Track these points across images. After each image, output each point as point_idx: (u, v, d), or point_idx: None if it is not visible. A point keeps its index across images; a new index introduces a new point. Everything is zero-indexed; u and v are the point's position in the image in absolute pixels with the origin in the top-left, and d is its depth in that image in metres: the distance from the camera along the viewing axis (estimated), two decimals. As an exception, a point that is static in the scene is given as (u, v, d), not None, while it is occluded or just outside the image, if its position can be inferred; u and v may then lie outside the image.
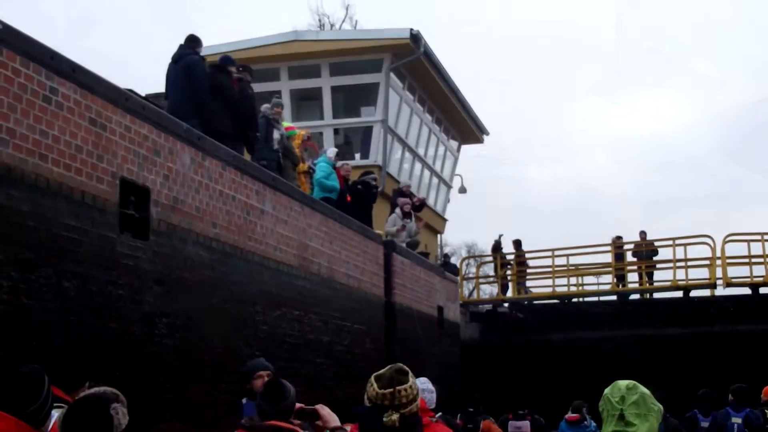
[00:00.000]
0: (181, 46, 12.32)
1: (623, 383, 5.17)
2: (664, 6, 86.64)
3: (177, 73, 12.11)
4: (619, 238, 25.15)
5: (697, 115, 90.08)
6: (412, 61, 22.12)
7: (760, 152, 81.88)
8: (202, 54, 12.61)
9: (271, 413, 6.30)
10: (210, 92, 12.26)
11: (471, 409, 14.72)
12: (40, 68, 7.85)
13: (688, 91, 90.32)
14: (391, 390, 4.59)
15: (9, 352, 7.01)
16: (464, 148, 28.85)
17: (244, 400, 7.72)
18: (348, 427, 11.32)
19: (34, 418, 3.25)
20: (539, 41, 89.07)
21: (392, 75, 22.14)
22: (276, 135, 13.84)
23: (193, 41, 12.40)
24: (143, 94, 10.85)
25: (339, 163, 16.53)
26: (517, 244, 26.03)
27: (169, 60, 12.40)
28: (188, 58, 12.08)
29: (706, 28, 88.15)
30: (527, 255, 25.92)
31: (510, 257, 26.01)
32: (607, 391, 5.14)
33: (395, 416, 4.51)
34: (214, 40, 13.89)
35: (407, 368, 4.78)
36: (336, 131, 22.95)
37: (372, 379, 4.75)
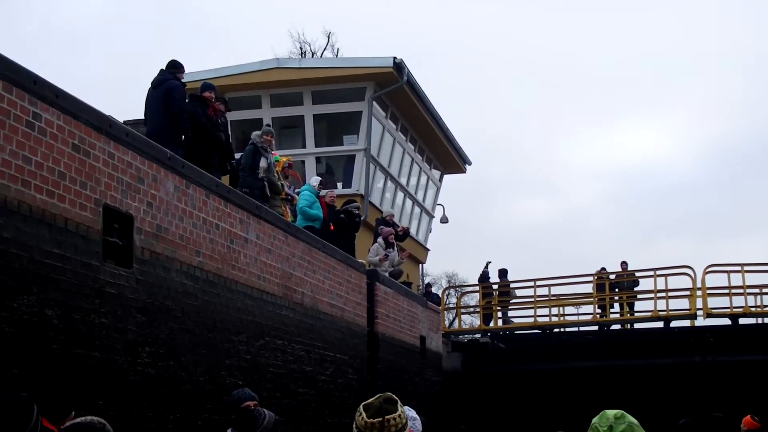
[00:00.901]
0: (161, 71, 12.24)
1: (611, 412, 5.14)
2: (651, 40, 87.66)
3: (156, 99, 12.00)
4: (603, 269, 25.19)
5: (681, 148, 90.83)
6: (395, 90, 22.19)
7: (743, 184, 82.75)
8: (183, 81, 12.54)
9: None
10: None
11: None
12: (24, 94, 7.78)
13: (672, 124, 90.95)
14: (380, 419, 4.52)
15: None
16: (446, 177, 28.89)
17: (229, 431, 7.63)
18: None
19: None
20: (525, 73, 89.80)
21: (375, 103, 22.19)
22: (263, 163, 13.75)
23: (173, 67, 12.33)
24: (122, 120, 10.79)
25: (323, 192, 16.49)
26: (503, 273, 26.03)
27: (147, 86, 12.33)
28: (168, 83, 12.00)
29: (691, 63, 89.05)
30: (511, 285, 25.91)
31: (495, 287, 25.98)
32: (595, 420, 5.10)
33: (385, 446, 4.44)
34: (194, 67, 13.92)
35: (396, 398, 4.71)
36: (318, 160, 22.96)
37: (361, 408, 4.68)
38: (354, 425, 4.63)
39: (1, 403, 3.29)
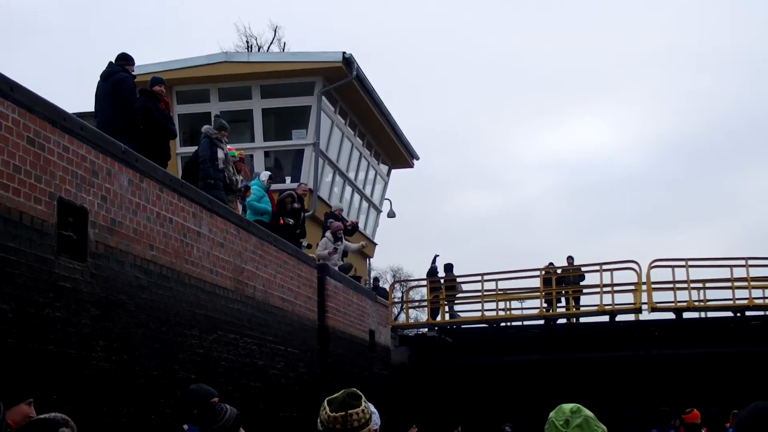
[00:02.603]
0: (110, 64, 12.18)
1: (567, 406, 5.26)
2: (602, 34, 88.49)
3: (106, 91, 11.95)
4: (551, 264, 25.47)
5: (630, 142, 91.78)
6: (344, 85, 22.25)
7: (690, 179, 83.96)
8: (132, 73, 12.50)
9: (209, 436, 6.33)
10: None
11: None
12: (-22, 86, 7.77)
13: (621, 119, 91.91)
14: (343, 413, 4.60)
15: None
16: (394, 172, 29.03)
17: (185, 426, 7.67)
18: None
19: None
20: (474, 68, 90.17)
21: (324, 98, 22.23)
22: (221, 154, 13.79)
23: (123, 59, 12.28)
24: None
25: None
26: (448, 267, 26.20)
27: (96, 78, 12.28)
28: (117, 75, 11.94)
29: (640, 59, 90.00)
30: (458, 279, 26.09)
31: (442, 281, 26.14)
32: (551, 414, 5.23)
33: (348, 440, 4.53)
34: (140, 60, 13.80)
35: (360, 393, 4.81)
36: (267, 154, 22.96)
37: (325, 402, 4.77)
38: (318, 420, 4.73)
39: None
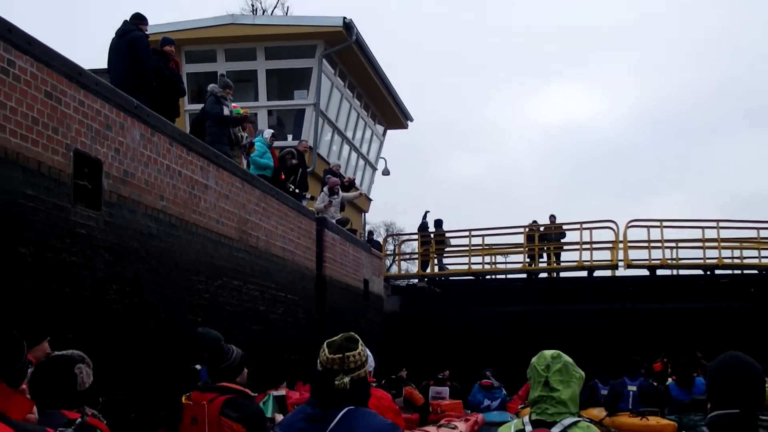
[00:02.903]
0: (125, 22, 12.09)
1: (548, 353, 5.29)
2: (585, 6, 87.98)
3: (121, 48, 11.85)
4: (534, 222, 25.49)
5: (608, 110, 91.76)
6: (344, 49, 22.09)
7: (665, 146, 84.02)
8: (146, 33, 12.39)
9: (217, 374, 6.35)
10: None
11: (394, 377, 14.80)
12: (-1, 40, 7.68)
13: (601, 88, 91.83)
14: (341, 356, 4.61)
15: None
16: (390, 132, 28.91)
17: (198, 366, 7.68)
18: (283, 391, 11.38)
19: (14, 378, 3.20)
20: (466, 37, 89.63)
21: (324, 61, 22.08)
22: (226, 112, 13.72)
23: (137, 18, 12.19)
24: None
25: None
26: (438, 223, 26.22)
27: (104, 37, 12.20)
28: (133, 33, 11.85)
29: (627, 31, 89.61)
30: (446, 234, 26.12)
31: (432, 235, 26.16)
32: (534, 360, 5.25)
33: (346, 379, 4.54)
34: (152, 21, 13.60)
35: (357, 337, 4.81)
36: (270, 112, 22.84)
37: (324, 345, 4.77)
38: (318, 361, 4.73)
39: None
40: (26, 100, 7.97)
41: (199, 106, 16.07)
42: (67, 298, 8.38)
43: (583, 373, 5.25)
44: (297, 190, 16.97)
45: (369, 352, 5.91)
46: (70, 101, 8.64)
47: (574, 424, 4.88)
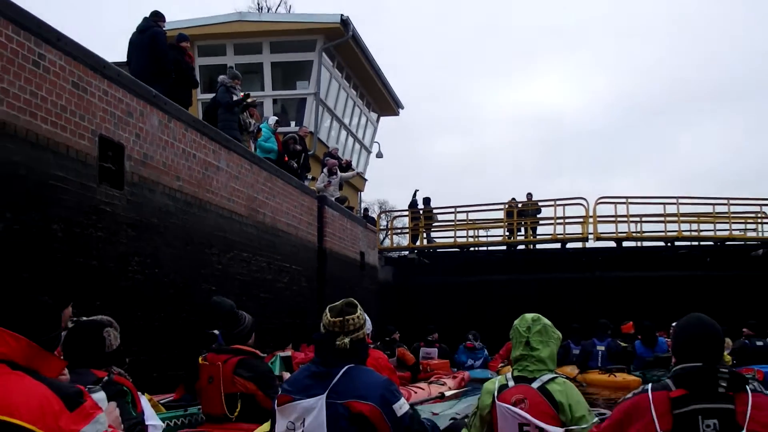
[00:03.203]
0: (145, 19, 12.01)
1: (529, 316, 5.30)
2: (565, 4, 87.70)
3: (142, 42, 11.75)
4: (513, 199, 25.51)
5: (583, 99, 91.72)
6: (341, 43, 21.99)
7: (630, 131, 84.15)
8: (164, 29, 12.30)
9: (231, 338, 6.36)
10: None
11: (387, 339, 14.83)
12: (30, 36, 7.61)
13: (572, 76, 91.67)
14: (341, 319, 4.62)
15: (8, 282, 6.88)
16: (383, 119, 28.83)
17: (216, 332, 7.69)
18: (289, 352, 11.35)
19: (50, 343, 3.20)
20: (450, 30, 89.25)
21: (324, 54, 21.97)
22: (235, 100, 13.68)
23: (156, 16, 12.10)
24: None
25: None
26: (426, 201, 26.23)
27: (120, 34, 12.11)
28: (153, 29, 11.77)
29: (597, 25, 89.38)
30: (434, 210, 26.13)
31: (421, 212, 26.18)
32: (516, 322, 5.26)
33: (346, 340, 4.55)
34: (168, 17, 13.46)
35: (356, 302, 4.81)
36: (274, 101, 22.74)
37: (327, 309, 4.77)
38: (321, 324, 4.73)
39: (35, 304, 3.28)
40: (55, 90, 7.93)
41: (211, 96, 16.00)
42: (93, 269, 8.37)
43: (560, 334, 5.27)
44: (299, 170, 16.92)
45: (367, 317, 5.91)
46: (95, 91, 8.59)
47: (552, 379, 4.91)
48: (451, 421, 5.99)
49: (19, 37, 7.45)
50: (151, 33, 11.65)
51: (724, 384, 3.77)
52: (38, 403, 2.83)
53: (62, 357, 4.20)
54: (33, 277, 7.30)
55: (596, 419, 4.78)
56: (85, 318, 4.93)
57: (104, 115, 8.74)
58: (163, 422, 5.35)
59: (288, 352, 11.16)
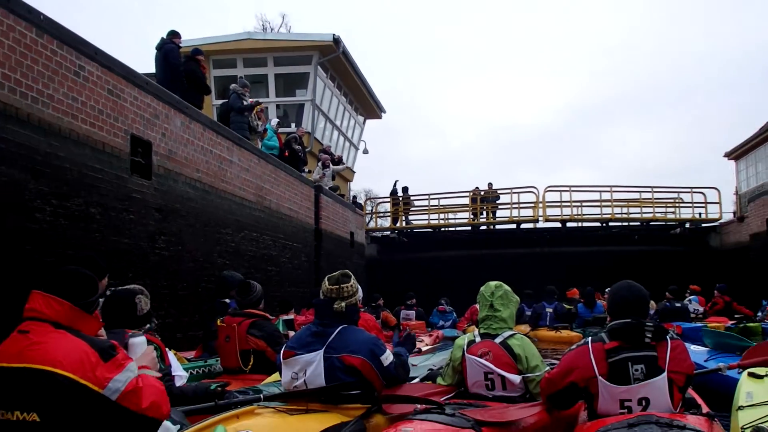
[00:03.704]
0: (162, 39, 11.87)
1: (493, 283, 5.30)
2: (526, 15, 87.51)
3: (160, 57, 11.67)
4: (477, 188, 25.53)
5: (534, 102, 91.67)
6: (333, 58, 21.83)
7: (575, 131, 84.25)
8: (179, 45, 12.14)
9: (244, 304, 6.32)
10: (186, 75, 11.86)
11: (373, 304, 14.82)
12: (72, 50, 7.50)
13: (527, 83, 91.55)
14: (337, 286, 4.60)
15: (55, 257, 6.81)
16: (368, 121, 28.70)
17: (227, 300, 7.65)
18: (291, 316, 11.25)
19: (89, 307, 3.17)
20: (424, 43, 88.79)
21: (319, 67, 21.81)
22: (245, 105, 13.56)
23: (172, 34, 11.94)
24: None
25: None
26: (405, 189, 26.21)
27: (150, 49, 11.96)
28: (167, 46, 11.63)
29: (551, 34, 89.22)
30: (411, 197, 26.11)
31: (400, 199, 26.16)
32: (482, 288, 5.26)
33: (342, 304, 4.53)
34: (186, 35, 13.37)
35: (350, 273, 4.79)
36: (278, 106, 22.56)
37: (325, 279, 4.75)
38: (320, 291, 4.71)
39: (78, 274, 3.24)
40: (93, 96, 7.83)
41: (223, 101, 15.86)
42: (126, 246, 8.29)
43: (518, 298, 5.27)
44: (301, 154, 16.80)
45: (359, 285, 5.88)
46: (127, 96, 8.49)
47: (512, 335, 4.92)
48: (428, 372, 5.99)
49: (63, 51, 7.35)
50: (165, 50, 11.51)
51: (650, 335, 3.82)
52: (78, 357, 2.83)
53: (100, 320, 4.17)
54: (76, 253, 7.22)
55: (547, 368, 4.80)
56: (119, 287, 4.89)
57: (135, 117, 8.64)
58: (187, 372, 5.33)
59: (291, 316, 11.11)
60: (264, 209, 12.87)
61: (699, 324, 11.58)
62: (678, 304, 13.48)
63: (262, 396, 4.46)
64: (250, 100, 14.11)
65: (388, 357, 4.48)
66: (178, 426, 3.62)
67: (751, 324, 12.78)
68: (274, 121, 16.72)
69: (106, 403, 2.87)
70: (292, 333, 7.73)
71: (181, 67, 11.69)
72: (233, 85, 14.30)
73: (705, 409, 4.02)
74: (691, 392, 4.30)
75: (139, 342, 3.59)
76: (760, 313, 14.59)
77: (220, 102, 19.78)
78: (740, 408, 3.93)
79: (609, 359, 3.82)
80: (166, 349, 4.55)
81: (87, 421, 2.85)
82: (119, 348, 3.06)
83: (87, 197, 7.60)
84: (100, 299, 4.09)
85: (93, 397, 2.84)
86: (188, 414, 4.06)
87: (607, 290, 4.75)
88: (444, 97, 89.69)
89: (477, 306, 5.30)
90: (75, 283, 3.11)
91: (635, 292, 4.01)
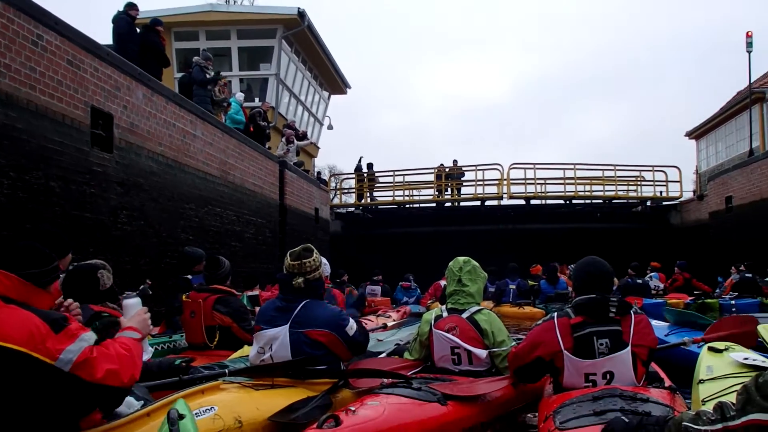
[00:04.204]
0: (119, 11, 11.54)
1: (461, 258, 5.33)
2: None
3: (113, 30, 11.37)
4: (441, 165, 25.56)
5: (497, 78, 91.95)
6: (298, 32, 21.58)
7: (540, 107, 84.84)
8: (139, 16, 11.80)
9: (211, 279, 6.27)
10: (144, 46, 11.56)
11: (338, 280, 14.81)
12: (30, 19, 7.30)
13: (490, 59, 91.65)
14: (299, 262, 4.60)
15: (13, 231, 6.67)
16: (333, 97, 28.50)
17: (190, 276, 7.58)
18: (257, 291, 11.19)
19: (38, 279, 3.11)
20: (391, 20, 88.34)
21: (283, 41, 21.55)
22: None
23: (129, 6, 11.60)
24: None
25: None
26: (369, 165, 26.12)
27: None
28: (118, 19, 11.32)
29: (516, 14, 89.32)
30: (376, 173, 26.06)
31: (365, 175, 26.07)
32: (450, 264, 5.29)
33: (300, 280, 4.53)
34: (147, 6, 13.08)
35: (313, 247, 4.77)
36: (241, 80, 22.25)
37: (287, 254, 4.73)
38: (283, 266, 4.69)
39: (23, 246, 3.17)
40: (52, 66, 7.63)
41: (183, 74, 15.60)
42: (87, 220, 8.16)
43: (486, 274, 5.31)
44: (266, 129, 16.64)
45: (325, 260, 5.86)
46: (87, 68, 8.30)
47: (479, 311, 4.96)
48: (395, 346, 6.02)
49: (20, 19, 7.14)
50: (116, 21, 11.23)
51: (614, 310, 3.88)
52: (28, 330, 2.78)
53: (63, 295, 4.11)
54: (34, 227, 7.07)
55: (514, 342, 4.86)
56: (82, 263, 4.82)
57: (95, 88, 8.45)
58: (152, 347, 5.28)
59: (256, 292, 11.08)
60: (228, 184, 12.73)
61: (660, 300, 11.80)
62: (639, 281, 13.73)
63: (227, 371, 4.44)
64: (213, 73, 13.89)
65: (352, 327, 4.52)
66: (142, 402, 3.59)
67: (710, 300, 13.09)
68: (239, 95, 16.50)
69: (59, 375, 2.82)
70: (258, 309, 7.71)
71: (131, 37, 11.34)
72: (196, 57, 14.07)
73: (667, 382, 4.12)
74: (653, 366, 4.39)
75: (133, 303, 3.61)
76: (717, 290, 14.94)
77: (180, 75, 19.53)
78: (701, 381, 4.03)
79: (574, 334, 3.88)
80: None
81: (42, 394, 2.81)
82: (72, 319, 3.00)
83: (46, 170, 7.44)
84: (61, 274, 4.03)
85: (45, 370, 2.79)
86: (152, 389, 4.02)
87: (569, 267, 4.82)
88: (410, 74, 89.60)
89: (441, 282, 5.34)
90: (24, 257, 3.06)
91: (600, 267, 4.07)
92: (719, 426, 2.18)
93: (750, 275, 13.46)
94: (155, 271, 9.63)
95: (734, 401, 2.19)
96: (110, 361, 2.95)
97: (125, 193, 9.05)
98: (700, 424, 2.26)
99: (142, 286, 4.33)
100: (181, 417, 2.70)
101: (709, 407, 3.14)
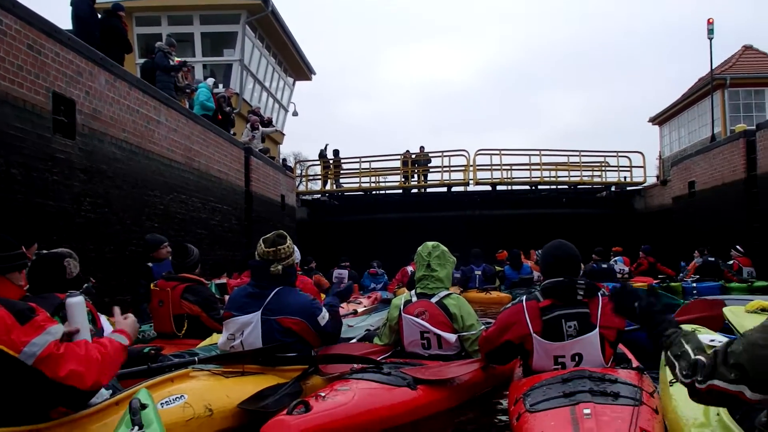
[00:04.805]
0: None
1: (430, 244, 5.38)
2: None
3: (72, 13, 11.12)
4: (408, 151, 25.59)
5: (465, 66, 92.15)
6: (263, 17, 21.38)
7: (507, 94, 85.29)
8: (99, 0, 11.55)
9: (180, 267, 6.23)
10: (106, 32, 11.35)
11: (306, 267, 14.78)
12: (-13, 2, 7.13)
13: (459, 47, 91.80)
14: (273, 249, 4.60)
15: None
16: (298, 83, 28.35)
17: (150, 264, 7.52)
18: (224, 279, 11.11)
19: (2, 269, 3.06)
20: (359, 8, 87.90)
21: (247, 27, 21.34)
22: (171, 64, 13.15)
23: None
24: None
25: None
26: (335, 152, 26.08)
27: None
28: (78, 1, 11.08)
29: (485, 4, 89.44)
30: (342, 160, 26.00)
31: (331, 161, 26.00)
32: (419, 249, 5.34)
33: (279, 267, 4.53)
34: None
35: (286, 234, 4.77)
36: (204, 66, 21.97)
37: (261, 240, 4.73)
38: (255, 253, 4.68)
39: None
40: (12, 51, 7.47)
41: (146, 60, 15.37)
42: (50, 208, 8.02)
43: (455, 259, 5.36)
44: (231, 116, 16.49)
45: (295, 247, 5.89)
46: (48, 52, 8.13)
47: (448, 295, 5.02)
48: (365, 332, 6.05)
49: (-23, 2, 6.98)
50: (74, 5, 11.00)
51: (581, 293, 3.95)
52: None
53: (28, 285, 4.06)
54: (-4, 215, 6.95)
55: (483, 326, 4.92)
56: (47, 251, 4.75)
57: (57, 74, 8.28)
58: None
59: (223, 280, 11.02)
60: (193, 171, 12.61)
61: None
62: (604, 265, 13.97)
63: (197, 359, 4.43)
64: (177, 60, 13.71)
65: (324, 317, 4.53)
66: (111, 390, 3.56)
67: (673, 283, 13.41)
68: (210, 80, 16.39)
69: (22, 369, 2.75)
70: (227, 297, 7.68)
71: (92, 21, 11.13)
72: (159, 43, 13.86)
73: (635, 363, 4.21)
74: (621, 347, 4.49)
75: (75, 302, 3.31)
76: (681, 274, 15.26)
77: (143, 61, 19.24)
78: (667, 362, 4.12)
79: (543, 317, 3.94)
80: (98, 313, 4.46)
81: (5, 386, 2.76)
82: (39, 310, 2.92)
83: (7, 157, 7.29)
84: (27, 263, 3.98)
85: (8, 362, 2.73)
86: (121, 378, 4.00)
87: (535, 252, 4.89)
88: (376, 62, 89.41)
89: (408, 268, 5.39)
90: None
91: (567, 251, 4.14)
92: (689, 381, 2.45)
93: (713, 259, 13.76)
94: (120, 259, 9.53)
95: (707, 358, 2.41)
96: (77, 361, 2.86)
97: (88, 180, 8.91)
98: (678, 371, 2.52)
99: (85, 285, 4.20)
100: (144, 407, 2.65)
101: (675, 389, 3.23)
